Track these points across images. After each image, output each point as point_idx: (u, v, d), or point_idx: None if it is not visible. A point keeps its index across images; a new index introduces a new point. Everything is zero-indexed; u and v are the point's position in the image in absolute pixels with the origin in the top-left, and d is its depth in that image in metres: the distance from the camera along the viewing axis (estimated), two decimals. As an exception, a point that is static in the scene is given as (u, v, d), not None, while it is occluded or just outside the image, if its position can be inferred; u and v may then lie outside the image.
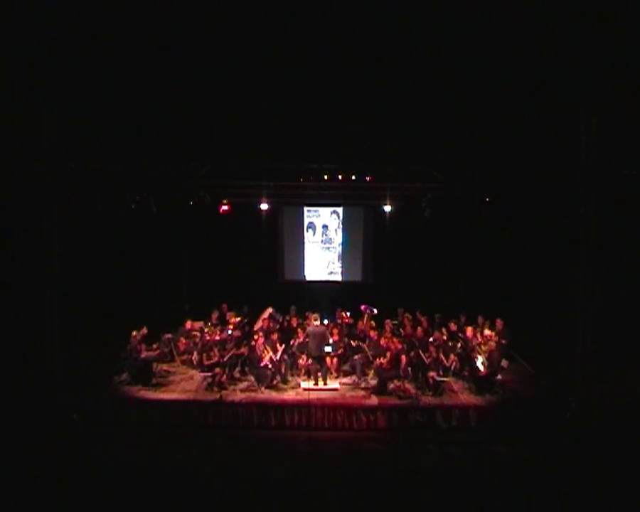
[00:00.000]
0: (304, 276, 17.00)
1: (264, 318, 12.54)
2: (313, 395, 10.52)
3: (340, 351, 11.85)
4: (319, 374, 11.06)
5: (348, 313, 13.34)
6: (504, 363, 11.32)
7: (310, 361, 11.17)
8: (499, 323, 12.08)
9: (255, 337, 11.33)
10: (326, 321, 12.51)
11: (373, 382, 11.06)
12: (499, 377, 11.00)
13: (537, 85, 9.42)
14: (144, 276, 14.23)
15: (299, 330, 12.15)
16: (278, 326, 12.71)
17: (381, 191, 14.21)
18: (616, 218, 10.73)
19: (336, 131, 10.72)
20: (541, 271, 13.13)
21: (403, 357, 10.84)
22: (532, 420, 9.87)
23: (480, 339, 11.58)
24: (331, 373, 11.52)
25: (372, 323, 12.55)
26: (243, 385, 11.11)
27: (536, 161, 11.12)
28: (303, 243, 16.91)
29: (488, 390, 10.72)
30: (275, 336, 11.56)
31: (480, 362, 10.89)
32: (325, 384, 11.03)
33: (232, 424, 10.17)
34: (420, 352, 11.08)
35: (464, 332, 12.06)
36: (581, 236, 9.98)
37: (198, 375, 11.38)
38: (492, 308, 12.80)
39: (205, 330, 12.19)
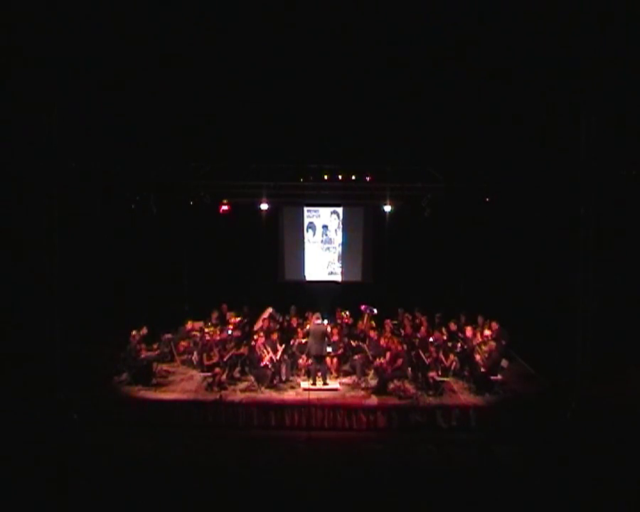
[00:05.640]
0: (304, 276, 17.00)
1: (264, 318, 12.53)
2: (313, 395, 10.52)
3: (340, 351, 11.85)
4: (319, 374, 11.06)
5: (348, 313, 13.35)
6: (504, 363, 11.31)
7: (310, 361, 11.17)
8: (494, 325, 12.04)
9: (255, 337, 11.33)
10: (325, 321, 12.52)
11: (373, 382, 11.06)
12: (499, 377, 11.00)
13: (538, 85, 9.42)
14: (144, 276, 14.22)
15: (299, 330, 12.16)
16: (278, 326, 12.70)
17: (381, 191, 14.22)
18: (616, 218, 10.73)
19: (336, 131, 10.73)
20: (541, 271, 13.13)
21: (400, 359, 10.84)
22: (532, 420, 9.87)
23: (480, 339, 11.58)
24: (331, 373, 11.52)
25: (372, 323, 12.54)
26: (243, 385, 11.10)
27: (536, 161, 11.13)
28: (303, 243, 16.91)
29: (488, 390, 10.72)
30: (275, 336, 11.56)
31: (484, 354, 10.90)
32: (325, 384, 11.03)
33: (232, 424, 10.17)
34: (420, 352, 11.08)
35: (464, 332, 12.06)
36: (581, 236, 9.98)
37: (198, 375, 11.38)
38: (492, 308, 12.79)
39: (205, 330, 12.19)
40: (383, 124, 10.61)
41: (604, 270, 10.18)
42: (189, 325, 12.80)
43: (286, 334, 12.39)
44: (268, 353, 11.05)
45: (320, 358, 11.09)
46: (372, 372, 11.32)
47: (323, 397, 10.53)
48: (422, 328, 12.18)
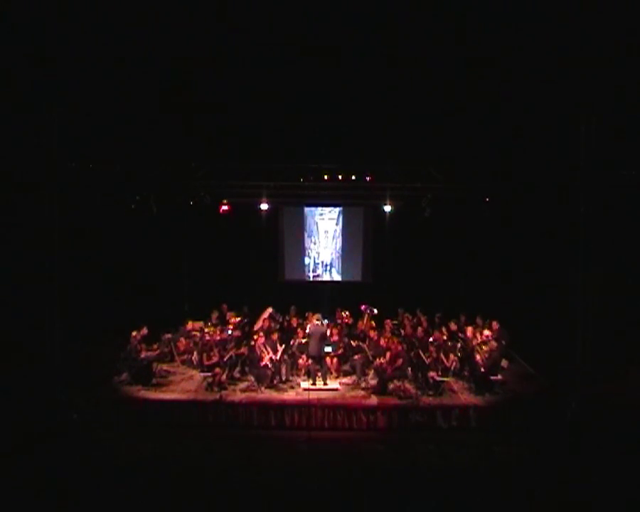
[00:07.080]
0: (304, 276, 17.00)
1: (264, 318, 12.53)
2: (313, 395, 10.52)
3: (340, 351, 11.85)
4: (319, 374, 11.06)
5: (348, 313, 13.34)
6: (504, 363, 11.32)
7: (310, 361, 11.16)
8: (495, 325, 12.05)
9: (255, 337, 11.33)
10: (326, 321, 12.51)
11: (373, 382, 11.06)
12: (499, 377, 11.00)
13: (538, 85, 9.43)
14: (143, 277, 14.22)
15: (299, 330, 12.16)
16: (278, 326, 12.71)
17: (381, 191, 14.20)
18: (615, 218, 10.73)
19: (336, 131, 10.73)
20: (541, 271, 13.13)
21: (400, 359, 10.84)
22: (532, 420, 9.88)
23: (480, 339, 11.58)
24: (331, 373, 11.52)
25: (372, 323, 12.54)
26: (243, 385, 11.10)
27: (536, 161, 11.13)
28: (303, 243, 16.92)
29: (488, 390, 10.72)
30: (275, 336, 11.56)
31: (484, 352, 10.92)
32: (325, 384, 11.03)
33: (232, 424, 10.17)
34: (420, 352, 11.08)
35: (464, 332, 12.07)
36: (581, 236, 9.98)
37: (198, 375, 11.38)
38: (492, 308, 12.79)
39: (205, 330, 12.19)
40: (383, 123, 10.60)
41: (604, 270, 10.19)
42: (189, 325, 12.81)
43: (286, 334, 12.39)
44: (268, 353, 11.05)
45: (318, 359, 11.09)
46: (372, 372, 11.32)
47: (323, 397, 10.54)
48: (420, 328, 12.17)
